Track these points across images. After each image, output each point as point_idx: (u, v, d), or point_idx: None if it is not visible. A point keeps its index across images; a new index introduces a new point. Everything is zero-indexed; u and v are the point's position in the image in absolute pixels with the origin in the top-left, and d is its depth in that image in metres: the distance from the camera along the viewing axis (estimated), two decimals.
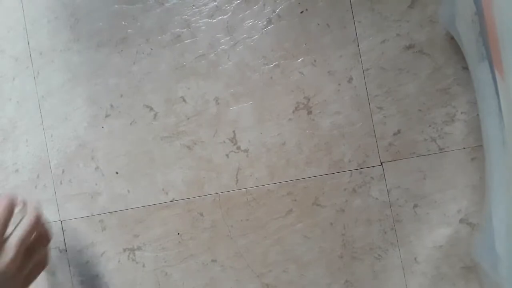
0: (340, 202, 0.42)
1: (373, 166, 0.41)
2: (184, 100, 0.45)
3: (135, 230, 0.46)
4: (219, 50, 0.44)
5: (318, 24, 0.42)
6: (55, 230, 0.48)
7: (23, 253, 0.37)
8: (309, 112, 0.42)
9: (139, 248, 0.46)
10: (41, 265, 0.42)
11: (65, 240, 0.48)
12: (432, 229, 0.40)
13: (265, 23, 0.43)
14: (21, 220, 0.39)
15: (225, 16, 0.44)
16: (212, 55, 0.45)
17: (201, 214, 0.45)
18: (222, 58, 0.44)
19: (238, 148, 0.44)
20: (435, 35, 0.40)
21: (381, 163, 0.41)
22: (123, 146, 0.47)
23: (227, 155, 0.44)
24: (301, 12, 0.43)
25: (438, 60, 0.40)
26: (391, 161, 0.41)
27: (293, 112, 0.43)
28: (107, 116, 0.47)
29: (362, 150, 0.41)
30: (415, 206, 0.40)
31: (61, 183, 0.48)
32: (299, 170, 0.43)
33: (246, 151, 0.44)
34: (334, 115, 0.42)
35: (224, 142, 0.44)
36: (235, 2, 0.44)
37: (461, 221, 0.40)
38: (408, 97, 0.40)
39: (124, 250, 0.47)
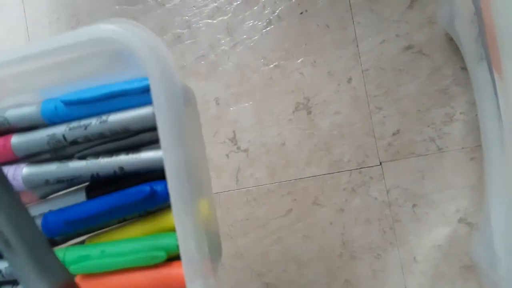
0: (340, 201, 0.42)
1: (372, 166, 0.41)
2: None
3: None
4: (219, 50, 0.45)
5: (318, 25, 0.42)
6: None
7: None
8: (309, 112, 0.43)
9: None
10: None
11: None
12: (431, 228, 0.40)
13: (265, 24, 0.44)
14: None
15: (225, 17, 0.45)
16: (212, 55, 0.45)
17: None
18: (222, 59, 0.45)
19: (238, 148, 0.44)
20: (434, 36, 0.40)
21: (380, 163, 0.41)
22: None
23: (227, 155, 0.44)
24: (301, 13, 0.43)
25: (437, 61, 0.40)
26: (390, 161, 0.41)
27: (293, 112, 0.43)
28: None
29: (361, 150, 0.42)
30: (414, 205, 0.41)
31: None
32: (299, 170, 0.43)
33: (246, 151, 0.44)
34: (334, 115, 0.42)
35: (224, 142, 0.44)
36: (235, 3, 0.44)
37: (460, 220, 0.40)
38: (407, 97, 0.41)
39: None
